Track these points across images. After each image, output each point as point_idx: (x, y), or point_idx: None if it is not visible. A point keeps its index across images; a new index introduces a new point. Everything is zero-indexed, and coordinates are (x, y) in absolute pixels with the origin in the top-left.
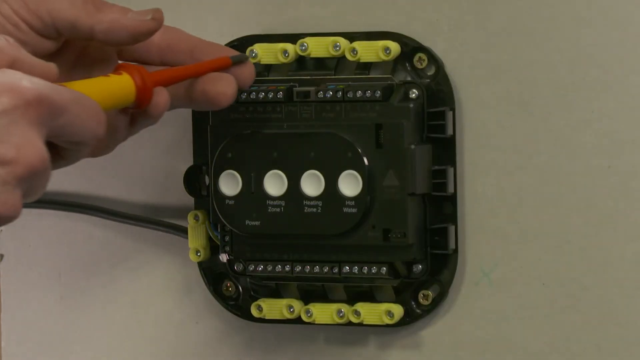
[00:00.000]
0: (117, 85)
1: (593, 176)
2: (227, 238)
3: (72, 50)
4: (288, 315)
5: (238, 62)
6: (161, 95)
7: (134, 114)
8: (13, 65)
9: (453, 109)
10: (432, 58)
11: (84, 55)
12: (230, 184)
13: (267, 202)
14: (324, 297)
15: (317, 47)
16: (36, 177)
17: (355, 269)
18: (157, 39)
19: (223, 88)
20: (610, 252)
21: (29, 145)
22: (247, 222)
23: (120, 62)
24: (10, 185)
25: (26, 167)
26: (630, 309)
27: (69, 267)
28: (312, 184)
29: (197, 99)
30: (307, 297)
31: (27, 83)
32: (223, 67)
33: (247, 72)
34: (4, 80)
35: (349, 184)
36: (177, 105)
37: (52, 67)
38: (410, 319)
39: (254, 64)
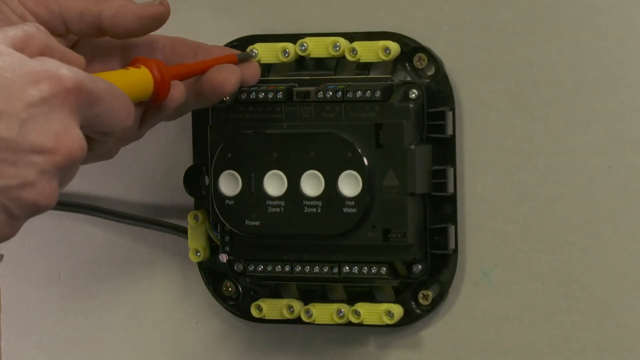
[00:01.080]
0: (136, 78)
1: (593, 176)
2: (227, 238)
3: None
4: (288, 316)
5: (244, 59)
6: (177, 89)
7: (147, 109)
8: (44, 52)
9: (453, 109)
10: (432, 58)
11: (89, 63)
12: (230, 184)
13: (267, 202)
14: (323, 297)
15: (317, 47)
16: (73, 166)
17: (355, 269)
18: (160, 42)
19: (227, 74)
20: (610, 252)
21: (68, 134)
22: (247, 222)
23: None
24: (49, 175)
25: (65, 156)
26: (630, 309)
27: (69, 267)
28: (312, 184)
29: (202, 90)
30: (307, 297)
31: (66, 71)
32: (230, 63)
33: (253, 69)
34: (43, 67)
35: (349, 184)
36: (186, 102)
37: (80, 57)
38: (410, 319)
39: None
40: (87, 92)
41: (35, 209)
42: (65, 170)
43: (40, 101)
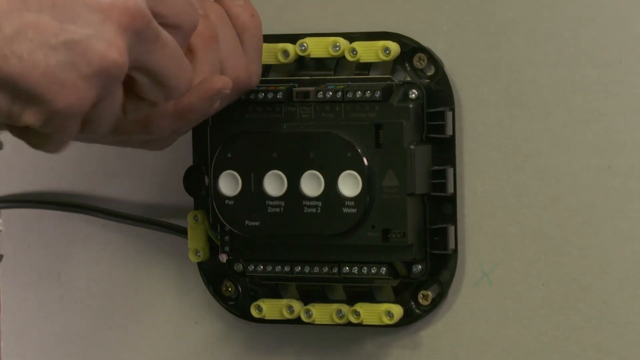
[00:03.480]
0: None
1: (593, 176)
2: (226, 238)
3: None
4: (288, 316)
5: None
6: None
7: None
8: None
9: (453, 109)
10: (432, 58)
11: None
12: (229, 184)
13: (267, 202)
14: (323, 298)
15: (316, 47)
16: (139, 31)
17: (355, 269)
18: None
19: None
20: (610, 252)
21: None
22: (246, 222)
23: None
24: (111, 30)
25: (123, 12)
26: (630, 309)
27: (69, 267)
28: (311, 184)
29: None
30: (307, 298)
31: None
32: None
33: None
34: None
35: (349, 184)
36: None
37: None
38: (409, 319)
39: None
40: None
41: (103, 64)
42: (127, 30)
43: None
